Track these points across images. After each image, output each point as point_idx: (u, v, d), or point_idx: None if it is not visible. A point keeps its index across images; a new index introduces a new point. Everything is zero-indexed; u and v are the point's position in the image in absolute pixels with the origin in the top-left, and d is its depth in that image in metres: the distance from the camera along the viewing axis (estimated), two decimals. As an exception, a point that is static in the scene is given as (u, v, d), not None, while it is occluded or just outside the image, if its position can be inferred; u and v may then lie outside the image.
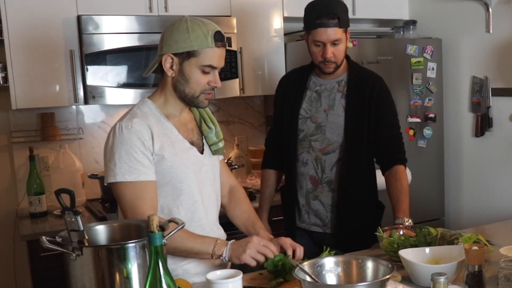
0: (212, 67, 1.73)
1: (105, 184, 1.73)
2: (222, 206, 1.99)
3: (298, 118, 2.29)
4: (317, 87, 2.30)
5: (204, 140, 1.87)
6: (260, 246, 1.67)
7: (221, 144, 1.90)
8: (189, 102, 1.78)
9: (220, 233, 1.89)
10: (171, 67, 1.73)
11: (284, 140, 2.34)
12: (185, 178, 1.75)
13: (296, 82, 2.35)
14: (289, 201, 2.37)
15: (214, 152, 1.88)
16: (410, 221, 2.07)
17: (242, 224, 1.99)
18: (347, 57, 2.29)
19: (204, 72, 1.72)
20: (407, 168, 2.29)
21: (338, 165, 2.25)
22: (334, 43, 2.15)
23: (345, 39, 2.20)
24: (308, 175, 2.29)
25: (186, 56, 1.70)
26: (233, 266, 1.72)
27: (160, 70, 1.77)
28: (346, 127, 2.22)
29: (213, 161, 1.89)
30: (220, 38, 1.72)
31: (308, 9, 2.21)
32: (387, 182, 2.24)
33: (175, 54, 1.71)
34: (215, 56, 1.72)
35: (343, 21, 2.15)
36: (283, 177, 2.46)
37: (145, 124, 1.70)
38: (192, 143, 1.81)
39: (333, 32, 2.14)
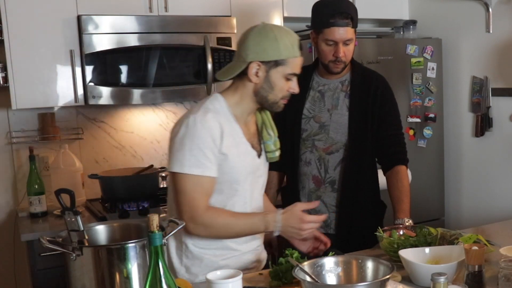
0: (295, 75, 1.80)
1: (169, 171, 1.76)
2: None
3: (301, 118, 2.29)
4: (320, 87, 2.30)
5: (262, 146, 1.91)
6: (312, 226, 1.79)
7: (277, 153, 1.94)
8: (268, 106, 1.84)
9: (261, 240, 1.97)
10: (256, 74, 1.76)
11: (287, 140, 2.33)
12: (242, 180, 1.81)
13: (298, 81, 2.35)
14: (291, 201, 2.35)
15: (269, 159, 1.93)
16: (410, 221, 2.07)
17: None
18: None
19: (287, 80, 1.79)
20: (407, 168, 2.29)
21: (341, 164, 2.25)
22: (346, 43, 2.16)
23: (354, 39, 2.21)
24: (311, 175, 2.29)
25: (274, 64, 1.75)
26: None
27: (239, 75, 1.80)
28: (350, 126, 2.22)
29: (266, 167, 1.95)
30: (300, 47, 1.81)
31: (319, 7, 2.20)
32: (388, 182, 2.24)
33: (262, 62, 1.75)
34: (298, 65, 1.80)
35: (355, 21, 2.17)
36: (285, 178, 2.45)
37: (217, 121, 1.74)
38: (252, 147, 1.86)
39: (347, 32, 2.14)
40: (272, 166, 2.44)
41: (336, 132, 2.24)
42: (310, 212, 2.29)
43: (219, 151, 1.73)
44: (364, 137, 2.23)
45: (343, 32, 2.13)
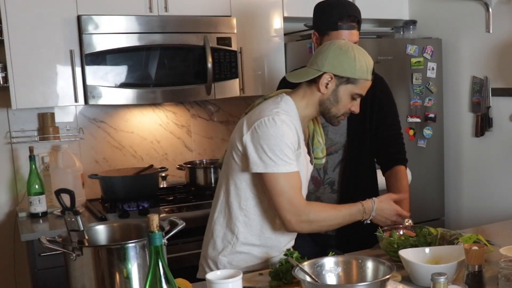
0: (360, 96, 1.85)
1: (252, 172, 1.77)
2: None
3: None
4: None
5: (311, 152, 1.97)
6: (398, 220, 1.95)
7: (323, 160, 2.00)
8: (328, 118, 1.89)
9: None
10: (327, 85, 1.81)
11: None
12: (302, 182, 1.85)
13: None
14: None
15: (316, 165, 2.00)
16: (410, 221, 2.07)
17: None
18: None
19: (352, 98, 1.84)
20: (407, 168, 2.29)
21: (341, 165, 2.25)
22: None
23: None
24: (310, 176, 2.29)
25: (346, 81, 1.80)
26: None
27: (308, 82, 1.85)
28: (349, 127, 2.22)
29: (310, 172, 2.01)
30: (373, 72, 1.85)
31: (326, 9, 2.19)
32: (388, 182, 2.24)
33: (335, 76, 1.79)
34: (367, 87, 1.85)
35: (360, 24, 2.19)
36: None
37: (292, 122, 1.80)
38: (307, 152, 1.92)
39: (354, 35, 2.15)
40: None
41: (335, 133, 2.24)
42: None
43: (297, 149, 1.81)
44: (363, 137, 2.23)
45: (350, 35, 2.14)
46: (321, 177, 2.27)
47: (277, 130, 1.74)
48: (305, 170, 1.90)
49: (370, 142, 2.24)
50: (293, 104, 1.85)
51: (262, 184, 1.80)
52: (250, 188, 1.84)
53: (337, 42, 1.84)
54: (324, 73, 1.79)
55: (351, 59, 1.78)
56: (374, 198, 1.88)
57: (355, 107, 1.87)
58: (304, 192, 1.94)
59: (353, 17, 2.14)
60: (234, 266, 1.85)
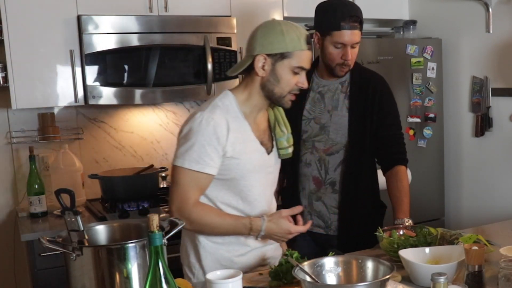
0: (303, 69, 1.80)
1: (172, 164, 1.80)
2: None
3: (301, 119, 2.28)
4: (320, 88, 2.30)
5: (274, 142, 1.93)
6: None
7: (290, 150, 1.96)
8: (275, 101, 1.85)
9: None
10: (263, 67, 1.78)
11: None
12: (249, 177, 1.83)
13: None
14: (291, 202, 2.35)
15: (281, 156, 1.95)
16: (410, 221, 2.07)
17: None
18: None
19: (294, 73, 1.79)
20: (407, 169, 2.28)
21: (342, 165, 2.24)
22: (353, 46, 2.16)
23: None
24: (311, 176, 2.28)
25: (280, 57, 1.77)
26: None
27: (247, 69, 1.82)
28: (350, 127, 2.22)
29: (278, 164, 1.97)
30: (309, 42, 1.80)
31: (329, 9, 2.18)
32: (388, 182, 2.24)
33: (268, 55, 1.77)
34: (306, 58, 1.80)
35: (362, 24, 2.18)
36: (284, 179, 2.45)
37: (224, 118, 1.77)
38: (261, 144, 1.87)
39: (357, 35, 2.15)
40: None
41: (336, 133, 2.24)
42: (312, 213, 2.30)
43: (224, 149, 1.76)
44: (364, 137, 2.23)
45: (353, 35, 2.13)
46: (322, 177, 2.27)
47: (195, 127, 1.75)
48: (257, 162, 1.84)
49: (370, 142, 2.24)
50: (233, 97, 1.83)
51: None
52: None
53: (263, 22, 1.81)
54: (256, 55, 1.77)
55: (279, 34, 1.75)
56: (265, 216, 1.81)
57: (302, 82, 1.82)
58: (269, 188, 1.92)
59: (356, 18, 2.13)
60: (208, 270, 1.81)
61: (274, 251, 1.98)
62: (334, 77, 2.26)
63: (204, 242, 1.85)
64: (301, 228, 1.84)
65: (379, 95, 2.24)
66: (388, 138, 2.26)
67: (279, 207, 2.44)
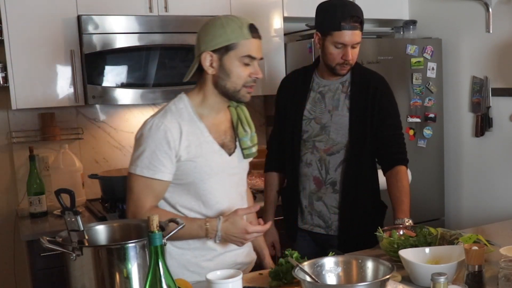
0: (251, 57, 1.75)
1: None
2: None
3: (302, 119, 2.28)
4: (320, 88, 2.29)
5: (237, 143, 1.88)
6: (256, 235, 1.78)
7: (254, 149, 1.92)
8: (231, 97, 1.80)
9: None
10: (211, 64, 1.75)
11: (287, 141, 2.33)
12: (208, 179, 1.78)
13: (298, 83, 2.35)
14: (291, 202, 2.36)
15: (246, 156, 1.91)
16: (410, 221, 2.07)
17: None
18: None
19: (245, 64, 1.75)
20: (407, 169, 2.28)
21: (342, 165, 2.24)
22: (354, 46, 2.16)
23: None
24: (311, 176, 2.28)
25: (225, 50, 1.72)
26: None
27: (198, 70, 1.79)
28: (351, 127, 2.22)
29: (243, 164, 1.92)
30: (254, 30, 1.75)
31: (329, 9, 2.18)
32: (388, 182, 2.24)
33: (213, 51, 1.73)
34: (253, 47, 1.74)
35: (363, 24, 2.18)
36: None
37: (176, 122, 1.74)
38: (221, 145, 1.83)
39: (357, 35, 2.15)
40: (273, 168, 2.44)
41: (337, 133, 2.24)
42: (312, 213, 2.30)
43: (177, 153, 1.73)
44: (365, 137, 2.23)
45: (353, 35, 2.13)
46: (323, 177, 2.26)
47: (146, 133, 1.73)
48: (215, 164, 1.79)
49: (371, 142, 2.24)
50: (188, 100, 1.79)
51: None
52: None
53: (206, 22, 1.77)
54: (202, 53, 1.73)
55: (219, 28, 1.71)
56: (220, 217, 1.74)
57: (255, 72, 1.76)
58: (233, 190, 1.87)
59: (356, 18, 2.13)
60: (174, 276, 1.78)
61: (245, 256, 1.93)
62: (335, 77, 2.26)
63: (169, 248, 1.78)
64: (259, 228, 1.75)
65: (379, 95, 2.24)
66: (388, 138, 2.25)
67: (278, 207, 2.46)
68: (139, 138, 1.76)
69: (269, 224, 1.81)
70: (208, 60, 1.74)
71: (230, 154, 1.85)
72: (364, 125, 2.22)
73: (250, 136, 1.90)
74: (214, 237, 1.73)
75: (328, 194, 2.27)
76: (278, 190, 2.46)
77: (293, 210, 2.35)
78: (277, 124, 2.43)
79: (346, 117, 2.23)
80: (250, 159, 1.99)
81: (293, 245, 2.28)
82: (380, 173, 2.32)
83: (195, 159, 1.75)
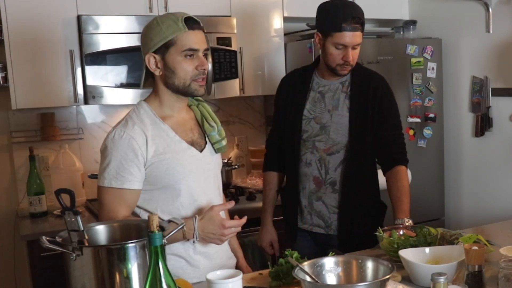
0: (193, 50, 1.72)
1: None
2: None
3: (301, 118, 2.28)
4: (320, 87, 2.29)
5: (206, 139, 1.87)
6: (234, 230, 1.70)
7: (224, 142, 1.90)
8: (184, 93, 1.77)
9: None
10: (156, 65, 1.74)
11: (287, 141, 2.33)
12: (183, 178, 1.75)
13: (298, 83, 2.34)
14: (291, 202, 2.35)
15: (217, 150, 1.89)
16: (410, 221, 2.07)
17: None
18: None
19: (188, 57, 1.72)
20: (407, 169, 2.28)
21: (342, 165, 2.24)
22: (354, 47, 2.15)
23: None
24: (311, 176, 2.28)
25: (165, 48, 1.71)
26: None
27: (150, 74, 1.78)
28: (351, 127, 2.21)
29: (215, 159, 1.90)
30: (192, 21, 1.72)
31: (330, 10, 2.17)
32: (388, 182, 2.24)
33: (155, 52, 1.72)
34: (192, 39, 1.72)
35: (364, 25, 2.17)
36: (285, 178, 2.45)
37: (139, 129, 1.71)
38: (191, 143, 1.81)
39: (358, 37, 2.14)
40: (272, 167, 2.44)
41: (336, 133, 2.23)
42: (312, 212, 2.30)
43: (146, 158, 1.71)
44: (365, 137, 2.22)
45: (354, 36, 2.12)
46: (323, 177, 2.26)
47: (109, 144, 1.70)
48: (187, 163, 1.76)
49: (371, 142, 2.24)
50: (147, 105, 1.78)
51: None
52: None
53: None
54: (145, 57, 1.73)
55: (155, 27, 1.70)
56: (196, 216, 1.69)
57: (200, 64, 1.74)
58: (210, 186, 1.84)
59: (357, 19, 2.13)
60: None
61: (217, 260, 1.86)
62: (335, 77, 2.26)
63: None
64: (236, 222, 1.69)
65: (379, 95, 2.23)
66: (388, 138, 2.25)
67: (278, 207, 2.46)
68: (104, 150, 1.73)
69: (244, 219, 1.73)
70: (152, 62, 1.73)
71: (201, 151, 1.83)
72: (364, 125, 2.22)
73: (218, 130, 1.88)
74: (192, 237, 1.67)
75: (327, 194, 2.26)
76: (277, 190, 2.46)
77: (293, 210, 2.34)
78: (276, 124, 2.43)
79: (346, 117, 2.23)
80: (222, 154, 1.97)
81: (293, 245, 2.27)
82: (380, 173, 2.32)
83: (166, 160, 1.73)
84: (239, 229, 1.72)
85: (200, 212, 1.77)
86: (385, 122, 2.24)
